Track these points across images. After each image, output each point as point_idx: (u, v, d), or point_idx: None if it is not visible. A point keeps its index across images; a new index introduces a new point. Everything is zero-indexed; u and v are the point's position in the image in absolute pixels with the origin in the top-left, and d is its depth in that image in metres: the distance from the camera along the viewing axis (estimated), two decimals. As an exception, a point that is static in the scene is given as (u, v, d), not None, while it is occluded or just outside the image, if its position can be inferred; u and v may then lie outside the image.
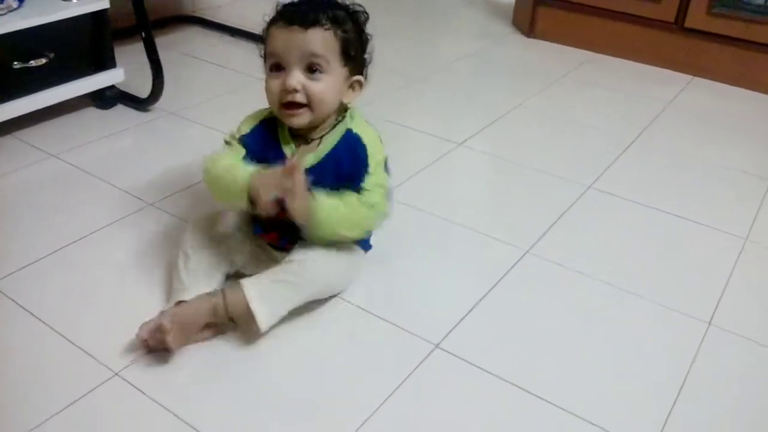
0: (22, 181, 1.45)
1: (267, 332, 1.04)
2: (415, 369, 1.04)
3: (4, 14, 1.52)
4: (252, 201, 1.01)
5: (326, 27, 1.03)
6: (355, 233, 1.09)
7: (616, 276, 1.27)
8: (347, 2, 1.11)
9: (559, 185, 1.55)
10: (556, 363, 1.08)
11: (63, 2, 1.62)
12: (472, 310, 1.17)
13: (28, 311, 1.10)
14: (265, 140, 1.11)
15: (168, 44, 2.16)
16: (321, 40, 1.03)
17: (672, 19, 2.18)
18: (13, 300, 1.12)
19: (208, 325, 1.04)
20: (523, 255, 1.31)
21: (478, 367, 1.05)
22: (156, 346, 1.00)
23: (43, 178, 1.46)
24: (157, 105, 1.76)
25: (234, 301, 1.01)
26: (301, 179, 0.99)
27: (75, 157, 1.53)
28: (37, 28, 1.54)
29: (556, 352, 1.10)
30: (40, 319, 1.09)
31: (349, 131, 1.09)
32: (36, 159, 1.52)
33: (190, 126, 1.71)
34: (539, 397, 1.01)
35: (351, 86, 1.10)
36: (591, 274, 1.27)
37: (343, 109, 1.12)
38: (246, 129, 1.13)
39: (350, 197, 1.05)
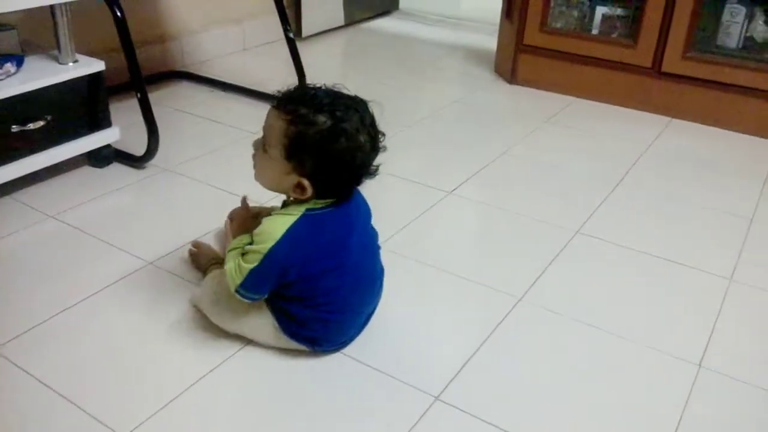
0: (21, 243, 1.47)
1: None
2: (416, 423, 1.06)
3: (3, 79, 1.56)
4: None
5: (284, 117, 1.06)
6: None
7: (606, 321, 1.30)
8: (355, 114, 1.07)
9: (548, 231, 1.60)
10: (554, 410, 1.10)
11: (60, 66, 1.66)
12: (469, 360, 1.19)
13: (32, 376, 1.12)
14: None
15: (159, 100, 2.20)
16: (272, 125, 1.08)
17: (649, 64, 2.26)
18: (15, 364, 1.14)
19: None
20: (517, 303, 1.34)
21: (478, 418, 1.07)
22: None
23: (42, 239, 1.48)
24: (152, 161, 1.80)
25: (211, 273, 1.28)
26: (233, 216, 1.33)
27: (73, 217, 1.56)
28: (35, 91, 1.58)
29: (553, 399, 1.13)
30: (44, 384, 1.10)
31: (268, 215, 1.13)
32: (34, 220, 1.54)
33: (185, 182, 1.75)
34: (539, 446, 1.03)
35: (298, 185, 1.08)
36: (582, 320, 1.30)
37: (299, 200, 1.11)
38: None
39: (237, 257, 1.12)
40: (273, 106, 1.09)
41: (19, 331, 1.21)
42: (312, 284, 1.12)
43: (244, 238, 1.15)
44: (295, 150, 1.06)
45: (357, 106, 1.08)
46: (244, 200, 1.38)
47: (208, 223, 1.53)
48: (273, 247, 1.07)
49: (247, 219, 1.32)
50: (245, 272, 1.09)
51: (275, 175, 1.10)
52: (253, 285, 1.10)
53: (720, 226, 1.66)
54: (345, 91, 1.11)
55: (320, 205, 1.11)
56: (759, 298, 1.41)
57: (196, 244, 1.41)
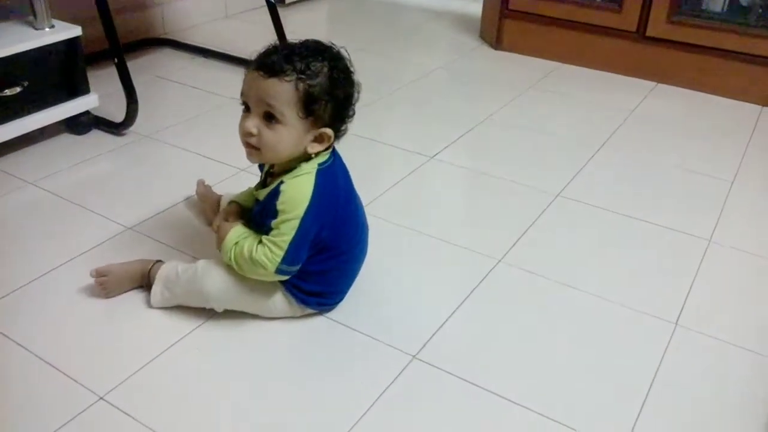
0: (0, 210, 1.46)
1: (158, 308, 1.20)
2: (393, 381, 1.07)
3: (-23, 45, 1.54)
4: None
5: (287, 79, 1.03)
6: (240, 270, 1.12)
7: (584, 281, 1.31)
8: (336, 49, 1.09)
9: (529, 194, 1.60)
10: (529, 368, 1.12)
11: (36, 31, 1.64)
12: (447, 320, 1.20)
13: (10, 339, 1.12)
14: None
15: (140, 67, 2.18)
16: (278, 92, 1.04)
17: (634, 29, 2.25)
18: (-5, 329, 1.14)
19: (139, 286, 1.23)
20: (496, 264, 1.35)
21: (455, 376, 1.09)
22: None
23: (20, 205, 1.48)
24: (132, 129, 1.78)
25: (153, 274, 1.20)
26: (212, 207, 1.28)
27: (52, 183, 1.55)
28: (11, 57, 1.56)
29: (529, 357, 1.14)
30: (22, 346, 1.10)
31: (281, 182, 1.09)
32: (13, 187, 1.53)
33: (165, 148, 1.74)
34: (515, 403, 1.04)
35: (317, 138, 1.09)
36: (561, 281, 1.31)
37: (306, 158, 1.11)
38: None
39: (252, 242, 1.10)
40: (265, 75, 1.04)
41: (-2, 295, 1.21)
42: (338, 233, 1.14)
43: (238, 230, 1.13)
44: (311, 104, 1.05)
45: (331, 45, 1.11)
46: (202, 183, 1.45)
47: (187, 189, 1.52)
48: (306, 209, 1.07)
49: (222, 207, 1.27)
50: (285, 245, 1.07)
51: (294, 139, 1.07)
52: (296, 255, 1.09)
53: (701, 189, 1.67)
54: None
55: (325, 158, 1.12)
56: (737, 258, 1.42)
57: (103, 272, 1.21)
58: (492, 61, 2.43)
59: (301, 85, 1.04)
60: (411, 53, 2.51)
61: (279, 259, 1.08)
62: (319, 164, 1.11)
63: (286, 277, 1.12)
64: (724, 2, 2.19)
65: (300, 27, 2.65)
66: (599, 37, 2.32)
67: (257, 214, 1.16)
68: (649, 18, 2.21)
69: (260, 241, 1.09)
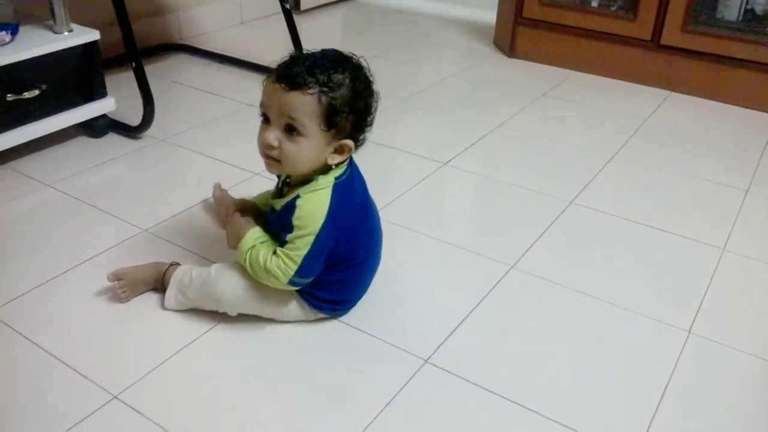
0: (17, 211, 1.48)
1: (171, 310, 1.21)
2: (405, 384, 1.07)
3: (-2, 48, 1.56)
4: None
5: (310, 91, 1.03)
6: (254, 274, 1.12)
7: (598, 288, 1.31)
8: (356, 59, 1.10)
9: (542, 201, 1.60)
10: (542, 374, 1.11)
11: (55, 35, 1.66)
12: (460, 325, 1.20)
13: (26, 338, 1.13)
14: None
15: (157, 72, 2.20)
16: (300, 104, 1.03)
17: (648, 37, 2.25)
18: (11, 327, 1.15)
19: (153, 288, 1.24)
20: (508, 270, 1.35)
21: (466, 380, 1.09)
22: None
23: (37, 207, 1.49)
24: (148, 132, 1.80)
25: (168, 278, 1.21)
26: (226, 210, 1.27)
27: (69, 185, 1.56)
28: (30, 60, 1.58)
29: (542, 363, 1.14)
30: (38, 345, 1.11)
31: (297, 196, 1.09)
32: (31, 189, 1.55)
33: (180, 152, 1.75)
34: (527, 408, 1.04)
35: (337, 149, 1.09)
36: (574, 287, 1.31)
37: (324, 169, 1.11)
38: None
39: (267, 250, 1.11)
40: (287, 88, 1.04)
41: (15, 294, 1.22)
42: (354, 244, 1.14)
43: (255, 233, 1.14)
44: (333, 116, 1.05)
45: (351, 56, 1.11)
46: (219, 187, 1.44)
47: (202, 193, 1.53)
48: (322, 225, 1.07)
49: (240, 211, 1.24)
50: (299, 259, 1.08)
51: (315, 152, 1.07)
52: (309, 269, 1.09)
53: (715, 198, 1.66)
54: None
55: (342, 170, 1.12)
56: (750, 267, 1.41)
57: (118, 275, 1.21)
58: (505, 69, 2.43)
59: (323, 98, 1.04)
60: (425, 60, 2.52)
61: (292, 272, 1.08)
62: (336, 178, 1.11)
63: (298, 288, 1.13)
64: (739, 11, 2.19)
65: (315, 33, 2.67)
66: (613, 45, 2.32)
67: (273, 222, 1.16)
68: (663, 26, 2.21)
69: (275, 252, 1.10)
